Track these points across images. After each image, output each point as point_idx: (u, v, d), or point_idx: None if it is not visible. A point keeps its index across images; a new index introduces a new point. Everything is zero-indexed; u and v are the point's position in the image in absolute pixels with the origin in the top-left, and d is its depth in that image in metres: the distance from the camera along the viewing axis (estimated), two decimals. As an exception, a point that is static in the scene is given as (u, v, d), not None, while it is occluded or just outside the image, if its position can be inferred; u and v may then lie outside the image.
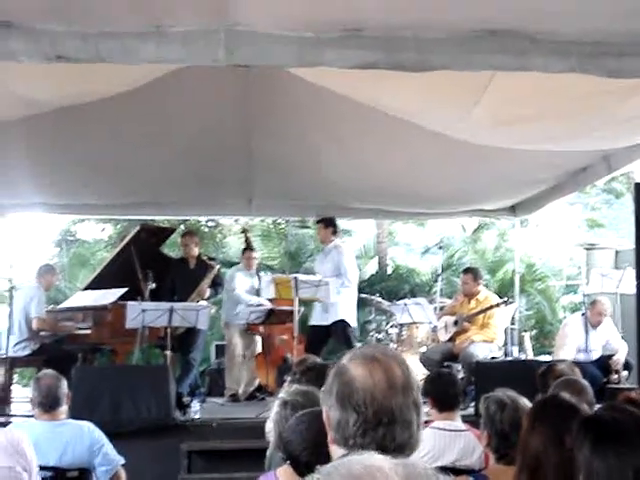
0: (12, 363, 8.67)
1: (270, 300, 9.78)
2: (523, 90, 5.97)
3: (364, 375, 1.92)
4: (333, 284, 9.02)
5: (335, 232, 9.80)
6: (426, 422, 5.04)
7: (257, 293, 10.15)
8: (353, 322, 9.56)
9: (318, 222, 10.03)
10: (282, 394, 2.97)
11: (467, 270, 9.76)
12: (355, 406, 1.89)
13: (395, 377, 1.92)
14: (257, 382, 10.04)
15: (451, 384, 5.16)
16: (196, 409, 8.05)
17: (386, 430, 1.89)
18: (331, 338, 9.60)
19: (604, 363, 8.94)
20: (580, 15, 4.49)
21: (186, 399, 8.63)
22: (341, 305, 9.33)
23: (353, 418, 1.89)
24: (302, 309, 9.66)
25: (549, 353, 11.09)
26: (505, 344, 9.94)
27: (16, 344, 8.66)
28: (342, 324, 9.34)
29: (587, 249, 12.66)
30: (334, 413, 1.93)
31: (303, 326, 9.54)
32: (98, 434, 5.10)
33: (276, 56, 4.75)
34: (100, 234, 18.76)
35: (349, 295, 9.52)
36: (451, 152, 8.35)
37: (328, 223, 9.77)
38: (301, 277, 9.09)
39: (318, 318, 9.50)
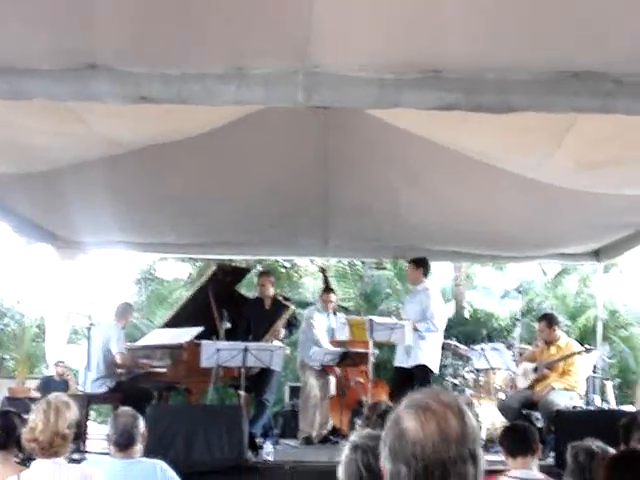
0: (89, 400, 8.76)
1: (344, 342, 9.68)
2: (606, 133, 5.84)
3: (416, 427, 1.85)
4: (409, 327, 8.86)
5: (426, 273, 9.44)
6: (502, 471, 4.91)
7: (333, 333, 10.05)
8: (435, 368, 9.24)
9: (410, 262, 9.66)
10: (353, 437, 2.91)
11: (542, 317, 9.44)
12: (406, 459, 1.84)
13: (449, 428, 1.84)
14: (331, 425, 9.92)
15: (522, 431, 5.03)
16: (269, 451, 7.97)
17: None
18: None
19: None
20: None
21: (259, 440, 8.57)
22: (423, 350, 9.01)
23: (404, 471, 1.84)
24: (377, 352, 9.52)
25: (632, 403, 10.73)
26: (587, 393, 9.63)
27: (93, 381, 8.78)
28: (423, 369, 9.02)
29: (673, 296, 12.31)
30: (387, 464, 1.89)
31: (378, 369, 9.38)
32: (171, 474, 5.07)
33: (354, 98, 4.75)
34: (179, 273, 19.04)
35: (434, 340, 9.17)
36: (532, 194, 8.20)
37: (419, 264, 9.41)
38: (376, 319, 8.96)
39: (400, 360, 9.22)
